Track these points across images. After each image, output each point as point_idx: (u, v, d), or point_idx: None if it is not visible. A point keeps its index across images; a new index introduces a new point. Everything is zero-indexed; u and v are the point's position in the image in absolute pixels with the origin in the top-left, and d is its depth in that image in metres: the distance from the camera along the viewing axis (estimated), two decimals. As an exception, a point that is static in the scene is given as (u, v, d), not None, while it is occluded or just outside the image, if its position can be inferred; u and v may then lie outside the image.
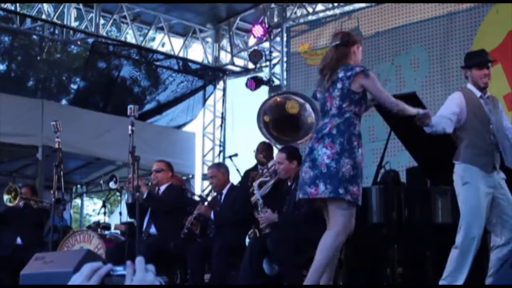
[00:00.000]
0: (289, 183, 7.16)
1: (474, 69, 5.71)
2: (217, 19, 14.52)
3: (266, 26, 13.57)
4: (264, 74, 13.99)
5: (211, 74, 14.88)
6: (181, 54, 14.45)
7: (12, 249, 8.80)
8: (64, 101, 14.12)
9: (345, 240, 5.30)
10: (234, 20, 14.30)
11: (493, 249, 5.56)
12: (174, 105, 14.47)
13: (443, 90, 10.80)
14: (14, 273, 7.13)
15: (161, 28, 14.11)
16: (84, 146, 12.01)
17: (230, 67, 14.99)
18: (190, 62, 14.65)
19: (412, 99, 5.87)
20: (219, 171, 8.06)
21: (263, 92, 13.73)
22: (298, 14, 13.67)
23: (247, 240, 7.31)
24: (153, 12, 13.70)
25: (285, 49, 13.66)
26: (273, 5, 13.73)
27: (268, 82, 13.67)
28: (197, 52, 15.20)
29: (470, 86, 5.73)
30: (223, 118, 14.95)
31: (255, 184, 7.48)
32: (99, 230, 9.28)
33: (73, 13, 13.26)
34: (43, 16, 12.86)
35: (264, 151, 8.62)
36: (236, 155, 10.30)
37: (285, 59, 13.64)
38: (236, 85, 15.04)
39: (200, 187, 14.18)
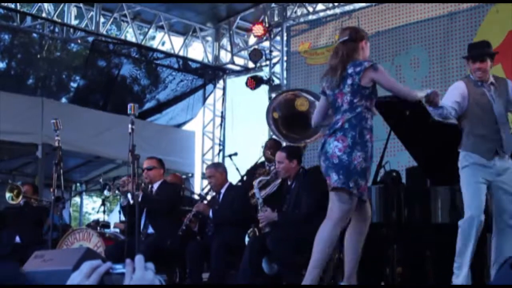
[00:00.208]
0: (289, 182, 7.16)
1: (470, 61, 5.75)
2: (217, 18, 14.52)
3: (266, 25, 13.57)
4: (264, 73, 13.99)
5: (211, 73, 14.87)
6: (181, 53, 14.45)
7: (11, 248, 8.80)
8: (64, 100, 14.12)
9: (339, 234, 5.32)
10: (234, 19, 14.30)
11: (492, 238, 5.61)
12: (174, 104, 14.46)
13: (443, 90, 10.74)
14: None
15: (161, 27, 14.11)
16: (84, 144, 12.00)
17: (230, 66, 14.98)
18: (190, 61, 14.65)
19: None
20: (217, 171, 8.04)
21: (263, 92, 13.74)
22: (299, 13, 13.67)
23: (247, 239, 7.30)
24: (153, 10, 13.69)
25: (285, 48, 13.66)
26: (273, 4, 13.73)
27: (268, 81, 13.67)
28: (197, 51, 15.21)
29: (471, 75, 5.77)
30: (222, 117, 14.95)
31: (255, 182, 7.48)
32: (98, 228, 9.27)
33: (73, 11, 13.26)
34: (43, 14, 12.85)
35: (272, 147, 8.57)
36: (235, 154, 10.29)
37: (285, 58, 13.64)
38: (236, 84, 15.06)
39: (199, 185, 14.18)
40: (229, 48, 14.74)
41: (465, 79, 5.81)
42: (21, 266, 3.21)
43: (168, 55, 14.30)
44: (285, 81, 13.52)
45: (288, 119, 8.50)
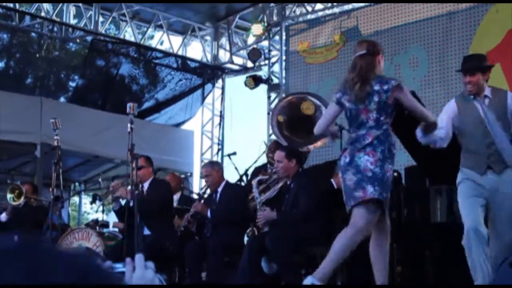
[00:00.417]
0: (288, 182, 7.15)
1: (462, 74, 5.76)
2: (216, 18, 14.51)
3: (265, 24, 13.57)
4: (263, 73, 13.98)
5: (210, 73, 14.87)
6: (180, 52, 14.44)
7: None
8: (62, 99, 14.11)
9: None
10: (233, 19, 14.29)
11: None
12: (173, 103, 14.45)
13: (442, 90, 10.81)
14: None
15: (160, 26, 14.10)
16: (83, 144, 11.99)
17: (229, 65, 14.97)
18: (189, 60, 14.65)
19: None
20: (213, 169, 8.02)
21: (261, 91, 13.73)
22: (297, 12, 13.67)
23: (246, 238, 7.29)
24: (152, 10, 13.68)
25: (284, 48, 13.66)
26: (272, 3, 13.72)
27: (267, 81, 13.67)
28: (196, 50, 15.20)
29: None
30: (221, 116, 14.94)
31: (254, 182, 7.48)
32: (97, 228, 9.26)
33: (72, 10, 13.25)
34: (42, 14, 12.84)
35: (274, 151, 8.56)
36: (234, 153, 10.29)
37: (284, 57, 13.64)
38: (235, 84, 15.06)
39: (198, 185, 14.16)
40: (228, 47, 14.74)
41: (458, 96, 5.83)
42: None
43: (167, 54, 14.29)
44: (284, 81, 13.52)
45: (293, 122, 8.50)
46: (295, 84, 13.06)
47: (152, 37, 15.75)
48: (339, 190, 7.74)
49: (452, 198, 5.98)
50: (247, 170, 9.47)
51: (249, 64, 14.41)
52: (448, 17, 11.26)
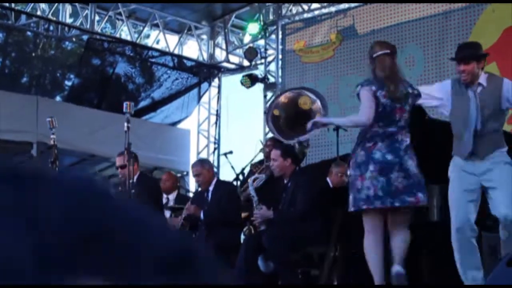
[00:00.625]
0: (285, 181, 7.15)
1: (456, 63, 5.73)
2: (212, 16, 14.50)
3: (262, 23, 13.57)
4: (259, 72, 13.98)
5: (206, 71, 14.86)
6: (176, 51, 14.44)
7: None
8: (58, 98, 14.10)
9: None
10: (229, 18, 14.29)
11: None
12: (169, 102, 14.44)
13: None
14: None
15: (156, 25, 14.10)
16: (79, 143, 11.97)
17: (225, 64, 14.97)
18: (185, 59, 14.64)
19: None
20: (203, 168, 7.97)
21: (258, 90, 13.72)
22: (294, 11, 13.67)
23: (242, 236, 7.29)
24: (148, 9, 13.67)
25: (280, 47, 13.65)
26: (268, 2, 13.71)
27: (263, 80, 13.66)
28: (192, 49, 15.19)
29: None
30: (218, 115, 14.94)
31: (250, 180, 7.48)
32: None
33: (68, 9, 13.24)
34: (38, 13, 12.82)
35: (270, 146, 8.57)
36: (231, 152, 10.30)
37: (280, 56, 13.64)
38: (231, 83, 15.04)
39: (194, 184, 14.16)
40: (224, 46, 14.73)
41: (454, 80, 5.79)
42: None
43: (163, 53, 14.28)
44: (280, 79, 13.52)
45: (289, 117, 8.49)
46: (291, 83, 13.05)
47: (148, 36, 15.74)
48: (335, 189, 7.78)
49: (446, 197, 5.99)
50: (243, 169, 9.48)
51: (245, 63, 14.42)
52: (444, 16, 11.27)
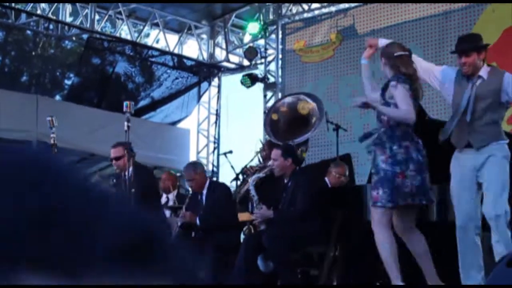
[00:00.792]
0: (285, 180, 7.15)
1: (457, 56, 5.74)
2: (212, 16, 14.51)
3: (262, 23, 13.57)
4: (259, 71, 13.99)
5: (206, 71, 14.86)
6: (176, 51, 14.45)
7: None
8: (58, 97, 14.10)
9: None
10: (229, 17, 14.29)
11: None
12: (169, 102, 14.44)
13: (437, 89, 10.80)
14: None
15: (156, 25, 14.10)
16: (79, 142, 11.97)
17: (225, 64, 14.97)
18: (185, 58, 14.65)
19: None
20: (196, 173, 7.85)
21: (258, 89, 13.73)
22: (294, 11, 13.67)
23: (242, 236, 7.29)
24: (148, 8, 13.68)
25: (280, 46, 13.65)
26: (268, 2, 13.71)
27: (263, 79, 13.67)
28: (192, 49, 15.19)
29: None
30: (217, 114, 14.94)
31: (250, 180, 7.48)
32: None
33: (68, 8, 13.24)
34: (38, 12, 12.82)
35: (266, 149, 8.58)
36: (231, 152, 10.30)
37: (280, 56, 13.65)
38: (231, 82, 15.04)
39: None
40: (224, 45, 14.74)
41: (459, 71, 5.76)
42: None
43: (163, 52, 14.28)
44: (280, 79, 13.52)
45: (287, 121, 8.53)
46: (291, 83, 13.06)
47: (148, 35, 15.74)
48: (334, 188, 7.78)
49: (445, 197, 5.99)
50: (243, 168, 9.47)
51: (245, 62, 14.42)
52: (444, 17, 11.27)
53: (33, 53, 14.16)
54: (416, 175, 5.38)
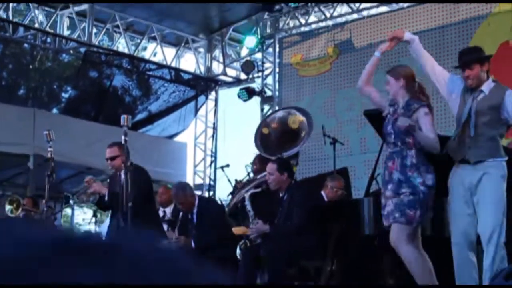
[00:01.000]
0: (280, 194, 7.13)
1: (461, 70, 5.69)
2: (209, 30, 14.53)
3: (259, 36, 13.61)
4: (256, 85, 14.01)
5: (203, 84, 14.88)
6: (173, 64, 14.46)
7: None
8: (55, 110, 14.09)
9: None
10: (226, 31, 14.32)
11: None
12: (166, 115, 14.45)
13: (434, 103, 10.78)
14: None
15: (154, 38, 14.12)
16: (75, 155, 11.95)
17: (222, 77, 14.99)
18: (182, 72, 14.66)
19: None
20: (186, 195, 7.75)
21: (255, 103, 13.74)
22: (291, 25, 13.70)
23: (238, 251, 7.25)
24: (146, 22, 13.70)
25: (277, 60, 13.69)
26: (266, 16, 13.75)
27: (260, 93, 13.68)
28: (190, 62, 15.22)
29: None
30: (214, 128, 14.94)
31: (246, 195, 7.46)
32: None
33: (66, 22, 13.26)
34: (36, 25, 12.84)
35: (257, 163, 8.57)
36: (228, 165, 10.30)
37: (277, 70, 13.67)
38: (228, 96, 15.07)
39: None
40: (221, 59, 14.76)
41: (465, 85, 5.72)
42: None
43: (160, 66, 14.30)
44: (277, 93, 13.54)
45: (278, 135, 8.55)
46: (288, 96, 13.08)
47: (145, 48, 15.77)
48: (331, 202, 7.77)
49: (441, 211, 5.97)
50: (235, 183, 9.46)
51: (243, 76, 14.44)
52: (440, 31, 11.31)
53: (31, 66, 14.16)
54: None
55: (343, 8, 12.87)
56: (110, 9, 13.21)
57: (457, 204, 5.48)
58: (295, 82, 13.09)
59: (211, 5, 13.33)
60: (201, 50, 14.99)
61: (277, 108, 13.00)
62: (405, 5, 11.92)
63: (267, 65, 14.02)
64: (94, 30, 13.25)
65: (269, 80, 13.95)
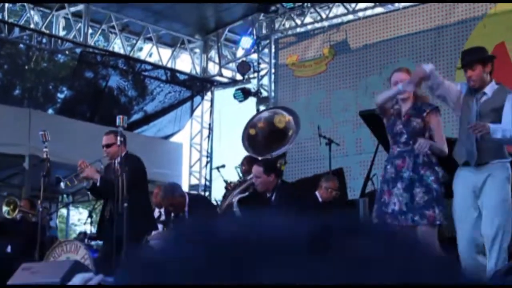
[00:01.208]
0: (268, 195, 7.09)
1: (464, 70, 5.64)
2: (205, 30, 14.54)
3: (255, 37, 13.61)
4: (252, 86, 14.01)
5: (199, 85, 14.88)
6: (169, 65, 14.46)
7: (1, 259, 8.73)
8: (50, 110, 14.07)
9: None
10: (222, 31, 14.32)
11: None
12: (162, 116, 14.45)
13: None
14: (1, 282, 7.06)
15: (150, 39, 14.12)
16: (71, 155, 11.93)
17: (218, 78, 15.00)
18: (178, 72, 14.66)
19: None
20: (174, 197, 7.68)
21: (250, 104, 13.75)
22: (287, 26, 13.71)
23: None
24: (142, 22, 13.70)
25: (273, 61, 13.69)
26: (261, 16, 13.76)
27: (256, 94, 13.69)
28: (185, 63, 15.22)
29: None
30: (210, 129, 14.94)
31: (235, 200, 7.47)
32: (86, 240, 9.21)
33: (62, 22, 13.25)
34: (32, 26, 12.83)
35: (246, 164, 8.56)
36: (223, 166, 10.29)
37: (273, 70, 13.67)
38: (224, 96, 15.06)
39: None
40: (217, 60, 14.76)
41: (468, 87, 5.68)
42: (8, 276, 3.17)
43: (156, 66, 14.30)
44: (273, 94, 13.54)
45: (265, 135, 8.55)
46: (284, 97, 13.08)
47: (141, 49, 15.76)
48: (326, 203, 7.76)
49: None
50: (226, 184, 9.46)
51: (238, 77, 14.44)
52: (436, 32, 11.33)
53: (26, 66, 14.14)
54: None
55: (338, 9, 12.88)
56: (106, 9, 13.21)
57: (461, 209, 5.44)
58: (291, 82, 13.09)
59: (206, 5, 13.33)
60: (197, 50, 14.99)
61: (277, 106, 13.01)
62: (401, 6, 11.93)
63: (262, 65, 14.02)
64: (90, 31, 13.24)
65: (265, 80, 13.96)
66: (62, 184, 7.89)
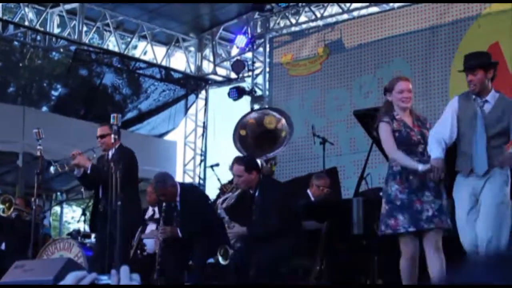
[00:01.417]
0: (251, 191, 7.06)
1: (465, 74, 5.62)
2: (200, 29, 14.53)
3: (249, 36, 13.61)
4: (246, 84, 14.01)
5: (193, 83, 14.88)
6: (163, 63, 14.46)
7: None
8: (44, 108, 14.05)
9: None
10: (217, 30, 14.32)
11: None
12: (156, 114, 14.44)
13: (424, 104, 10.86)
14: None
15: (144, 37, 14.11)
16: (65, 153, 11.90)
17: (212, 76, 15.00)
18: (172, 71, 14.65)
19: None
20: (165, 187, 7.58)
21: (245, 102, 13.75)
22: (281, 25, 13.71)
23: (220, 259, 7.01)
24: (136, 20, 13.69)
25: (267, 60, 13.69)
26: (256, 15, 13.76)
27: (250, 92, 13.69)
28: (180, 61, 15.21)
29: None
30: (204, 127, 14.95)
31: (219, 202, 7.47)
32: (79, 238, 9.21)
33: (56, 20, 13.23)
34: (26, 23, 12.80)
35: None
36: (217, 164, 10.29)
37: (267, 69, 13.68)
38: (218, 95, 15.07)
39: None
40: (211, 58, 14.76)
41: (463, 95, 5.65)
42: (1, 274, 3.17)
43: (150, 64, 14.29)
44: (267, 92, 13.55)
45: (255, 136, 8.55)
46: (279, 96, 13.09)
47: (135, 47, 15.74)
48: (319, 202, 7.77)
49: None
50: (221, 186, 9.45)
51: (233, 75, 14.44)
52: (431, 32, 11.34)
53: (20, 64, 14.12)
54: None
55: (333, 8, 12.89)
56: (100, 7, 13.19)
57: (464, 218, 5.43)
58: (285, 81, 13.10)
59: (201, 4, 13.33)
60: (192, 49, 14.98)
61: (266, 107, 13.01)
62: (396, 5, 11.95)
63: (257, 64, 14.03)
64: (84, 29, 13.23)
65: (259, 79, 13.97)
66: (52, 168, 7.85)
